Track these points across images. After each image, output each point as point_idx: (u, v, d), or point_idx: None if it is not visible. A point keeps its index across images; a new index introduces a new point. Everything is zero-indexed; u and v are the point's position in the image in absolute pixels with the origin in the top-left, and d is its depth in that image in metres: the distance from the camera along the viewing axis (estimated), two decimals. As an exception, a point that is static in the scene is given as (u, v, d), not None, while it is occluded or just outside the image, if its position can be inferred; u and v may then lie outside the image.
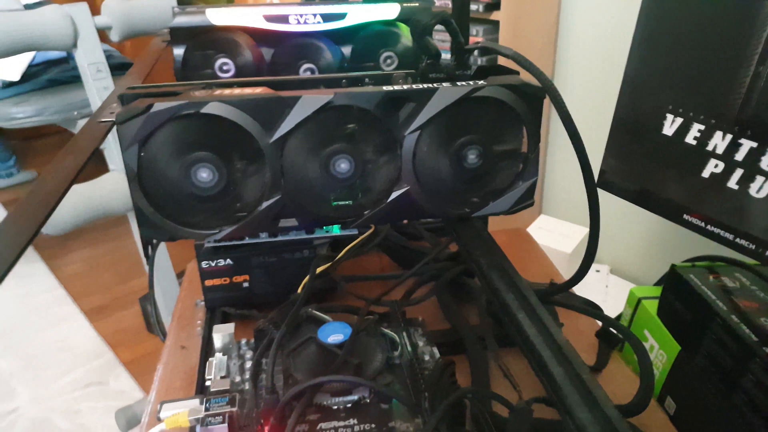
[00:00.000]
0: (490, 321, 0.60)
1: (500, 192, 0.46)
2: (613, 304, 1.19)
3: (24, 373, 1.61)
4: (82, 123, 1.46)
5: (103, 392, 1.54)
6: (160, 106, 0.38)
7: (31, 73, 1.85)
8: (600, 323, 0.59)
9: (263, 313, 0.65)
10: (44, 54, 1.85)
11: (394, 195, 0.44)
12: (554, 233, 1.33)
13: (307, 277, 0.60)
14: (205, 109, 0.39)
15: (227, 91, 0.40)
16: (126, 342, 1.73)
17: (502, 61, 0.46)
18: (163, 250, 1.33)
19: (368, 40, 0.67)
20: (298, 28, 0.65)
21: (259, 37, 0.65)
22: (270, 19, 0.64)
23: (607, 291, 1.28)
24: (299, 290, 0.61)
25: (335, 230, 0.62)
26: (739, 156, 0.41)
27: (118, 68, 1.35)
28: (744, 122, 0.40)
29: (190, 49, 0.64)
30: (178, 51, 0.64)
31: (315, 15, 0.65)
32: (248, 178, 0.42)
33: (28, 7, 1.43)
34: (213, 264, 0.64)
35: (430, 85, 0.42)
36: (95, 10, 1.07)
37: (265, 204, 0.43)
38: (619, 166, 0.47)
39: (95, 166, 1.39)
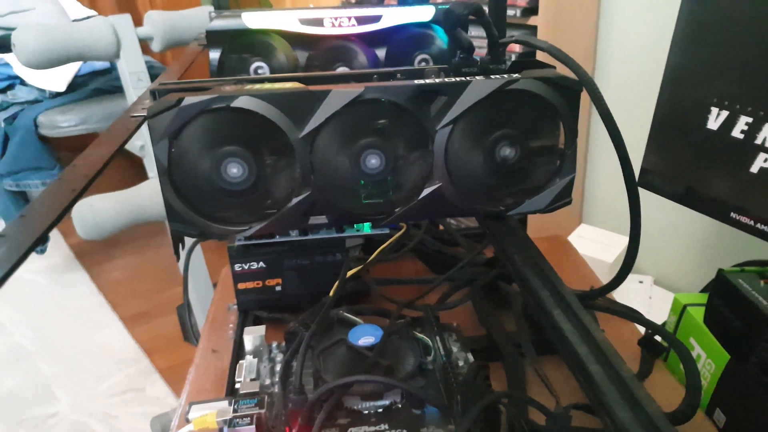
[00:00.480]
0: (527, 327, 0.58)
1: (536, 190, 0.44)
2: (657, 316, 1.13)
3: (64, 378, 1.64)
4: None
5: (139, 398, 1.56)
6: (190, 100, 0.38)
7: (77, 84, 1.91)
8: (642, 331, 0.56)
9: (295, 316, 0.65)
10: (90, 65, 1.92)
11: (425, 192, 0.43)
12: (595, 242, 1.29)
13: (340, 280, 0.59)
14: (235, 103, 0.39)
15: (257, 86, 0.40)
16: (162, 349, 1.75)
17: (541, 56, 0.44)
18: (200, 258, 1.35)
19: (403, 43, 0.67)
20: (332, 31, 0.65)
21: (294, 40, 0.65)
22: (305, 22, 0.64)
23: (650, 302, 1.24)
24: (331, 293, 0.60)
25: (366, 229, 0.61)
26: (793, 149, 0.39)
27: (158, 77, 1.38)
28: (798, 114, 0.38)
29: (226, 53, 0.65)
30: (214, 54, 0.65)
31: (350, 18, 0.64)
32: (278, 173, 0.41)
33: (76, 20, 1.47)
34: (245, 267, 0.64)
35: (463, 79, 0.40)
36: (138, 22, 1.10)
37: (294, 200, 0.42)
38: (660, 163, 0.45)
39: (136, 174, 1.42)
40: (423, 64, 0.68)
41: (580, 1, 1.23)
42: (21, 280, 2.13)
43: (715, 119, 0.42)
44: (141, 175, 1.17)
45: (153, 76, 1.14)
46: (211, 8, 0.68)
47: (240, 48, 0.65)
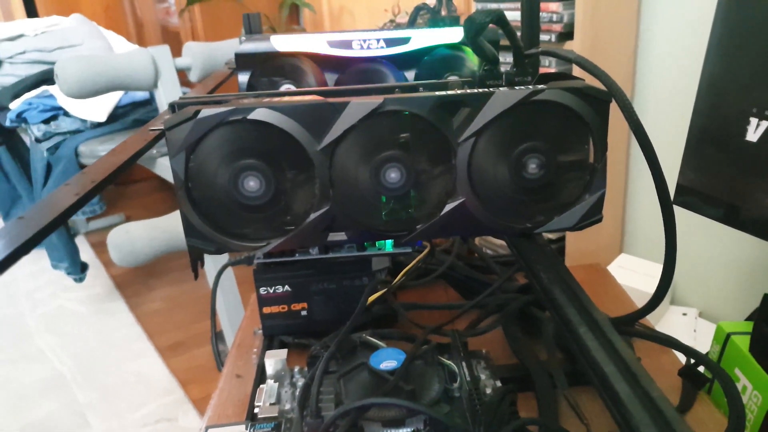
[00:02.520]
0: (561, 355, 0.55)
1: (565, 206, 0.42)
2: (702, 350, 1.08)
3: (99, 406, 1.65)
4: (162, 161, 1.53)
5: (171, 428, 1.55)
6: (207, 112, 0.38)
7: (117, 114, 1.98)
8: (684, 361, 0.53)
9: (320, 341, 0.63)
10: (131, 96, 1.98)
11: (448, 207, 0.41)
12: (636, 273, 1.24)
13: (361, 303, 0.57)
14: (253, 116, 0.38)
15: (276, 99, 0.40)
16: (197, 380, 1.75)
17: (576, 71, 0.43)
18: (232, 285, 1.35)
19: (432, 65, 0.66)
20: (361, 53, 0.65)
21: (323, 62, 0.65)
22: (334, 44, 0.64)
23: (695, 336, 1.18)
24: (352, 317, 0.59)
25: (388, 247, 0.60)
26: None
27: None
28: None
29: (255, 75, 0.66)
30: (243, 77, 0.65)
31: (378, 40, 0.64)
32: (297, 188, 0.41)
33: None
34: (271, 291, 0.63)
35: (486, 90, 0.39)
36: (178, 54, 1.13)
37: (313, 215, 0.41)
38: (698, 180, 0.43)
39: (172, 203, 1.44)
40: (452, 85, 0.67)
41: (618, 23, 1.21)
42: (63, 309, 2.17)
43: (754, 130, 0.39)
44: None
45: (190, 106, 1.17)
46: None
47: (269, 71, 0.66)
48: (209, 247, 0.42)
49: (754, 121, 0.39)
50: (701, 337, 1.18)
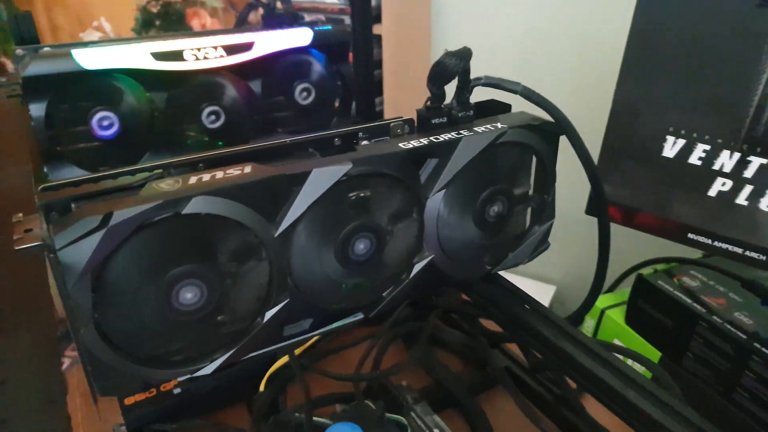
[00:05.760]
0: (470, 367, 0.55)
1: (518, 241, 0.41)
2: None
3: None
4: None
5: None
6: (124, 213, 0.26)
7: None
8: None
9: (211, 420, 0.53)
10: None
11: (417, 267, 0.36)
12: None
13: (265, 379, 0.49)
14: (188, 209, 0.28)
15: (205, 177, 0.29)
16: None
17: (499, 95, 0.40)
18: None
19: (280, 72, 0.57)
20: (197, 65, 0.53)
21: (148, 79, 0.52)
22: (160, 56, 0.51)
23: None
24: (261, 387, 0.50)
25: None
26: (749, 173, 0.40)
27: None
28: (754, 140, 0.40)
29: (55, 103, 0.49)
30: (37, 109, 0.49)
31: (216, 48, 0.53)
32: (245, 284, 0.31)
33: None
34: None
35: (452, 135, 0.35)
36: None
37: (270, 313, 0.32)
38: (616, 193, 0.45)
39: None
40: (305, 94, 0.59)
41: (415, 8, 1.19)
42: None
43: (671, 147, 0.42)
44: None
45: None
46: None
47: (75, 96, 0.50)
48: (132, 386, 0.30)
49: (671, 138, 0.42)
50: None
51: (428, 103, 0.37)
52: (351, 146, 0.35)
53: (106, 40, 0.55)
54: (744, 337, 0.50)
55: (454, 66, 0.33)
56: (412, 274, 0.36)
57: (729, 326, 0.51)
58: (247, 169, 0.30)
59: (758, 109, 0.39)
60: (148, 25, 1.10)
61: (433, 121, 0.37)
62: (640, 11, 0.41)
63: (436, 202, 0.35)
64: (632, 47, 0.42)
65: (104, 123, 0.51)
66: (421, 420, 0.46)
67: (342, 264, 0.33)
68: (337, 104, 0.63)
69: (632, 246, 0.62)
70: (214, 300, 0.30)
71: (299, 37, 0.57)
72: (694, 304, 0.53)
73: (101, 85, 0.50)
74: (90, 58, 0.49)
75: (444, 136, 0.35)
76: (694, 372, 0.53)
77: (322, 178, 0.31)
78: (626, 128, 0.43)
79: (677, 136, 0.42)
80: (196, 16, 1.11)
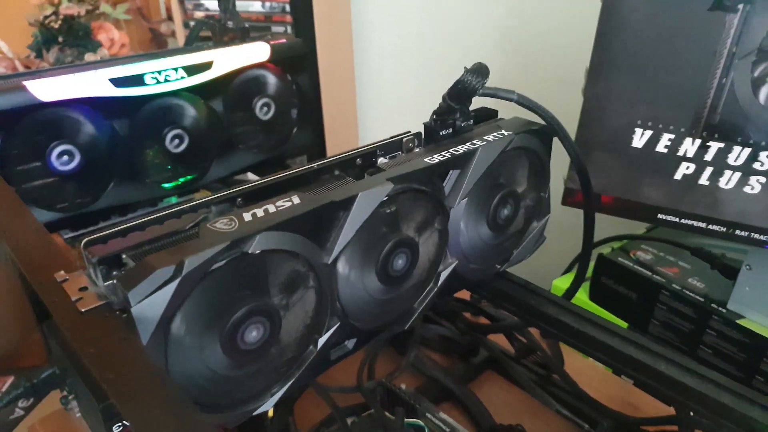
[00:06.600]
0: (457, 360, 0.58)
1: (519, 238, 0.43)
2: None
3: None
4: None
5: None
6: (195, 260, 0.25)
7: None
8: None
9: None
10: None
11: (443, 275, 0.37)
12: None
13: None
14: (254, 247, 0.27)
15: (259, 212, 0.29)
16: None
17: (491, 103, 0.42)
18: None
19: (240, 89, 0.56)
20: (158, 89, 0.50)
21: (108, 107, 0.48)
22: (119, 82, 0.48)
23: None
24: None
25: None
26: (708, 156, 0.45)
27: None
28: (712, 127, 0.44)
29: (9, 140, 0.45)
30: (-11, 147, 0.44)
31: (176, 69, 0.51)
32: (295, 314, 0.31)
33: None
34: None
35: (468, 146, 0.36)
36: None
37: (322, 338, 0.32)
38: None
39: None
40: (265, 109, 0.58)
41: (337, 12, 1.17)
42: None
43: (639, 138, 0.46)
44: None
45: None
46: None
47: (30, 131, 0.46)
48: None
49: (639, 130, 0.46)
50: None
51: (434, 116, 0.38)
52: (372, 164, 0.36)
53: (56, 67, 0.51)
54: (701, 299, 0.55)
55: (476, 83, 0.35)
56: (439, 282, 0.37)
57: (687, 292, 0.56)
58: (296, 199, 0.30)
59: (714, 100, 0.44)
60: (49, 43, 1.01)
61: (441, 133, 0.38)
62: (606, 16, 0.44)
63: (459, 210, 0.36)
64: (599, 49, 0.45)
65: (64, 157, 0.48)
66: (439, 420, 0.48)
67: (382, 281, 0.34)
68: (294, 115, 0.62)
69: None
70: (276, 334, 0.30)
71: (257, 52, 0.56)
72: (654, 276, 0.59)
73: (58, 117, 0.47)
74: (46, 90, 0.45)
75: (461, 148, 0.36)
76: (661, 336, 0.59)
77: (367, 200, 0.31)
78: (597, 123, 0.47)
79: (645, 127, 0.46)
80: (102, 30, 1.04)
